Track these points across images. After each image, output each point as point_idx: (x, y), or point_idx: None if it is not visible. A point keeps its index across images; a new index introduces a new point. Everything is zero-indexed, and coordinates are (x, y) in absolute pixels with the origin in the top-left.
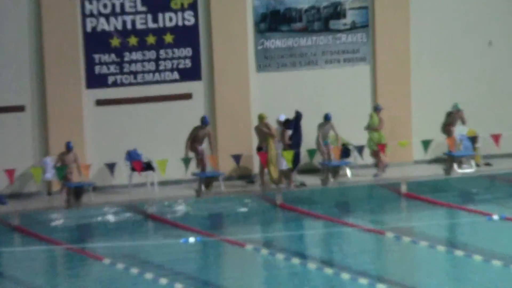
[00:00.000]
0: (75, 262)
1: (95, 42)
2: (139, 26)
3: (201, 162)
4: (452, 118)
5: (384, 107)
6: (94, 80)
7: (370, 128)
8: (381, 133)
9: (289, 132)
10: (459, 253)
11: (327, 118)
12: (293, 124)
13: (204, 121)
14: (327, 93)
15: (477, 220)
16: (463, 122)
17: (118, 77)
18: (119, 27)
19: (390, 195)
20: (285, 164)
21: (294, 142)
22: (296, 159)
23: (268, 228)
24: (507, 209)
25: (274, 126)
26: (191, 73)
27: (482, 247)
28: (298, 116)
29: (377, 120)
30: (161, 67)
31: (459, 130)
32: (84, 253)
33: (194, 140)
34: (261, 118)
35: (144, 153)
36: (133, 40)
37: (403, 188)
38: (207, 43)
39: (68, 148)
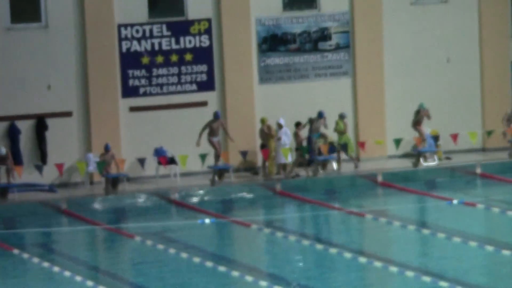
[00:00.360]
0: (111, 240)
1: (129, 60)
2: (164, 47)
3: (217, 152)
4: (420, 116)
5: (363, 112)
6: (128, 91)
7: (337, 131)
8: (347, 135)
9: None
10: (425, 231)
11: (320, 115)
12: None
13: (216, 115)
14: (316, 101)
15: (440, 204)
16: (428, 118)
17: (148, 88)
18: (149, 48)
19: (368, 184)
20: (283, 159)
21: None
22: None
23: (270, 211)
24: (465, 195)
25: (273, 127)
26: (206, 85)
27: (445, 226)
28: (310, 121)
29: (342, 125)
30: (182, 80)
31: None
32: (119, 232)
33: (209, 133)
34: (263, 121)
35: (168, 150)
36: (159, 59)
37: (379, 178)
38: (219, 61)
39: (107, 149)
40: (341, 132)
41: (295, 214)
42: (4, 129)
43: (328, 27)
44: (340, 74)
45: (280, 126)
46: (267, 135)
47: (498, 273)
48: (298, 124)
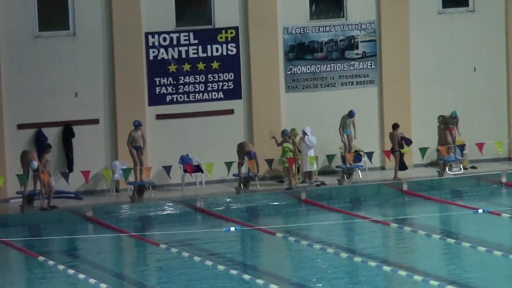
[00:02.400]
0: (137, 247)
1: (156, 68)
2: (191, 55)
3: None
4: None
5: (389, 120)
6: (155, 99)
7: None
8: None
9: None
10: (450, 240)
11: (351, 114)
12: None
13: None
14: (343, 110)
15: (465, 213)
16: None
17: (174, 96)
18: (176, 56)
19: (394, 192)
20: (309, 167)
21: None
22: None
23: (294, 220)
24: (490, 204)
25: (300, 135)
26: (233, 93)
27: (470, 235)
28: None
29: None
30: (209, 88)
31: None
32: (144, 240)
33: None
34: (292, 131)
35: (194, 158)
36: (186, 67)
37: (405, 187)
38: (246, 69)
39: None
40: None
41: (320, 223)
42: (31, 137)
43: (355, 35)
44: (367, 82)
45: (304, 134)
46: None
47: None
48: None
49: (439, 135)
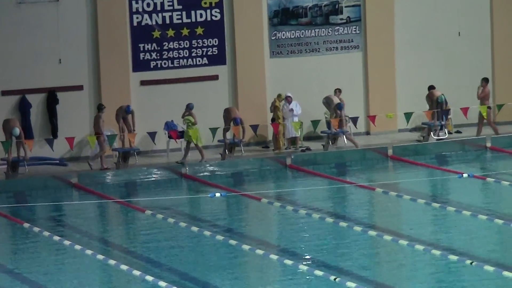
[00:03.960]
0: (122, 213)
1: (140, 34)
2: (175, 20)
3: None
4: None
5: (373, 86)
6: (139, 65)
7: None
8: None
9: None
10: (435, 205)
11: (339, 107)
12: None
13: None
14: (327, 75)
15: (450, 178)
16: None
17: (158, 62)
18: (160, 21)
19: (379, 157)
20: (293, 133)
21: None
22: None
23: (280, 185)
24: (475, 168)
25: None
26: (217, 59)
27: (455, 200)
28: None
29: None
30: (193, 54)
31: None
32: (130, 206)
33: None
34: (279, 97)
35: (179, 124)
36: (170, 32)
37: (390, 152)
38: (230, 34)
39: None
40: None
41: (305, 188)
42: (15, 103)
43: (339, 0)
44: (351, 48)
45: (289, 100)
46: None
47: (507, 246)
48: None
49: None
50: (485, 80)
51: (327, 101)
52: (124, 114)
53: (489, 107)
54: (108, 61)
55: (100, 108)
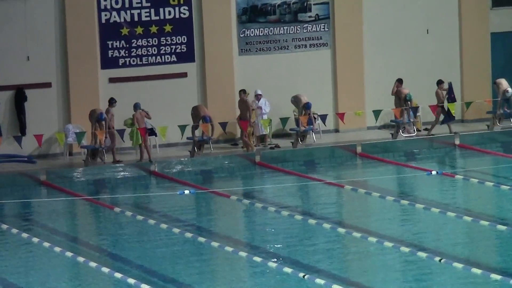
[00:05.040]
0: (91, 211)
1: (108, 31)
2: (144, 18)
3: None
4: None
5: (342, 83)
6: (108, 62)
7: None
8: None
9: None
10: (404, 202)
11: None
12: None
13: None
14: (296, 73)
15: (419, 175)
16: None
17: (127, 59)
18: (128, 19)
19: (347, 155)
20: (263, 130)
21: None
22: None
23: (249, 182)
24: (443, 166)
25: (252, 98)
26: (186, 56)
27: (424, 197)
28: (450, 85)
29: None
30: (162, 51)
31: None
32: (98, 203)
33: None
34: (244, 92)
35: (148, 121)
36: (139, 30)
37: (358, 149)
38: (199, 32)
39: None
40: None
41: (274, 185)
42: None
43: None
44: (320, 45)
45: (258, 97)
46: (247, 107)
47: (476, 244)
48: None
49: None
50: (399, 81)
51: (295, 100)
52: (97, 119)
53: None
54: (76, 58)
55: (111, 102)
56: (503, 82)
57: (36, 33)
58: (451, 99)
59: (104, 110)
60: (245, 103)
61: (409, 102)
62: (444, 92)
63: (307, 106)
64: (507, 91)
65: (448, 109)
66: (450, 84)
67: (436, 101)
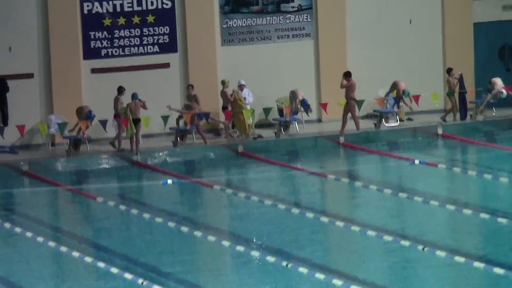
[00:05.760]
0: (73, 201)
1: (91, 21)
2: (126, 8)
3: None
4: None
5: (325, 74)
6: (90, 53)
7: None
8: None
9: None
10: (387, 191)
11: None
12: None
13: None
14: (278, 63)
15: (402, 165)
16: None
17: (109, 50)
18: (110, 9)
19: (331, 145)
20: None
21: (461, 96)
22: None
23: (232, 172)
24: (426, 155)
25: (235, 88)
26: (168, 47)
27: (406, 186)
28: (461, 77)
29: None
30: (144, 42)
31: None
32: (81, 193)
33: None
34: (223, 83)
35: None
36: (121, 20)
37: (341, 139)
38: (181, 22)
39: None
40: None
41: (257, 175)
42: None
43: None
44: (303, 36)
45: (241, 88)
46: (231, 97)
47: (458, 232)
48: (347, 73)
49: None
50: (348, 74)
51: (293, 95)
52: (85, 117)
53: (353, 100)
54: (58, 49)
55: (120, 90)
56: (498, 82)
57: (18, 24)
58: (461, 89)
59: (113, 99)
60: (224, 94)
61: (407, 98)
62: (456, 81)
63: (303, 102)
64: (502, 93)
65: (463, 102)
66: (461, 76)
67: (448, 89)
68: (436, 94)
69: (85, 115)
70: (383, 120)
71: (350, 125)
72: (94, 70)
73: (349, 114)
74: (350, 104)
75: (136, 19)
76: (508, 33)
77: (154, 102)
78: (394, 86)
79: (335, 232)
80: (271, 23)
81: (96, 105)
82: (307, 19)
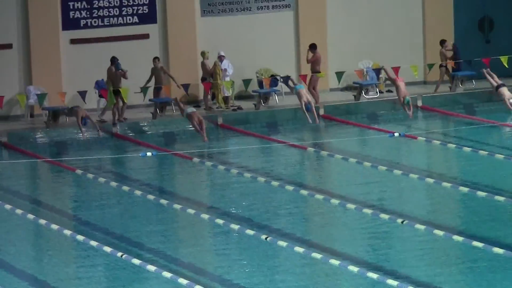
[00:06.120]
0: (52, 172)
1: None
2: None
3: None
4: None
5: (305, 45)
6: (69, 23)
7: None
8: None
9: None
10: (367, 164)
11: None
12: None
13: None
14: (258, 34)
15: (381, 137)
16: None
17: (89, 20)
18: None
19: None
20: (225, 92)
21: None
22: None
23: (211, 144)
24: (406, 127)
25: (215, 59)
26: (148, 18)
27: (386, 159)
28: (455, 47)
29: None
30: (124, 12)
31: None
32: (60, 165)
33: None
34: (203, 54)
35: None
36: None
37: (321, 111)
38: None
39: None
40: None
41: (237, 147)
42: None
43: None
44: (282, 6)
45: (221, 59)
46: (211, 68)
47: (438, 205)
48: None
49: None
50: (313, 47)
51: (298, 95)
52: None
53: (318, 73)
54: (37, 19)
55: (113, 61)
56: (506, 93)
57: None
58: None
59: (106, 69)
60: (204, 65)
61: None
62: (449, 53)
63: (307, 108)
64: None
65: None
66: (455, 46)
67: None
68: (416, 66)
69: (81, 118)
70: (363, 92)
71: (330, 97)
72: (73, 41)
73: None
74: (313, 78)
75: None
76: (488, 5)
77: (133, 73)
78: (394, 82)
79: (315, 205)
80: None
81: (75, 76)
82: None
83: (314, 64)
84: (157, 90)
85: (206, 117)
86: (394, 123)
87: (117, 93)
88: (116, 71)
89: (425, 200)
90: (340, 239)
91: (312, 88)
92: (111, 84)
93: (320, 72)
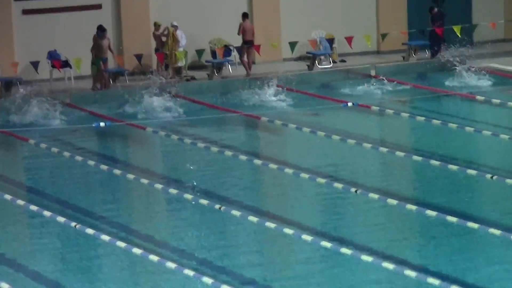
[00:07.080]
0: (5, 143)
1: None
2: None
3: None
4: None
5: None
6: None
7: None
8: None
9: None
10: (320, 133)
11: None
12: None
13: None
14: (211, 4)
15: (335, 107)
16: None
17: None
18: None
19: (264, 87)
20: (178, 62)
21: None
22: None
23: (165, 114)
24: (359, 97)
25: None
26: None
27: (340, 128)
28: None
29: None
30: None
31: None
32: (13, 135)
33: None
34: (156, 25)
35: (62, 53)
36: None
37: (275, 81)
38: None
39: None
40: None
41: (190, 117)
42: None
43: None
44: None
45: (175, 28)
46: (164, 38)
47: (391, 174)
48: (245, 15)
49: None
50: (245, 15)
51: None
52: None
53: (249, 42)
54: None
55: (101, 29)
56: None
57: None
58: (439, 25)
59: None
60: (156, 36)
61: None
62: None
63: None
64: None
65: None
66: (439, 11)
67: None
68: (369, 35)
69: None
70: (316, 62)
71: (283, 67)
72: (25, 11)
73: None
74: (243, 48)
75: None
76: None
77: (86, 44)
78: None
79: (268, 175)
80: None
81: (27, 47)
82: None
83: (244, 34)
84: (103, 61)
85: (160, 88)
86: (347, 93)
87: (99, 61)
88: (102, 40)
89: (379, 169)
90: (294, 208)
91: (242, 57)
92: (95, 52)
93: (252, 42)
